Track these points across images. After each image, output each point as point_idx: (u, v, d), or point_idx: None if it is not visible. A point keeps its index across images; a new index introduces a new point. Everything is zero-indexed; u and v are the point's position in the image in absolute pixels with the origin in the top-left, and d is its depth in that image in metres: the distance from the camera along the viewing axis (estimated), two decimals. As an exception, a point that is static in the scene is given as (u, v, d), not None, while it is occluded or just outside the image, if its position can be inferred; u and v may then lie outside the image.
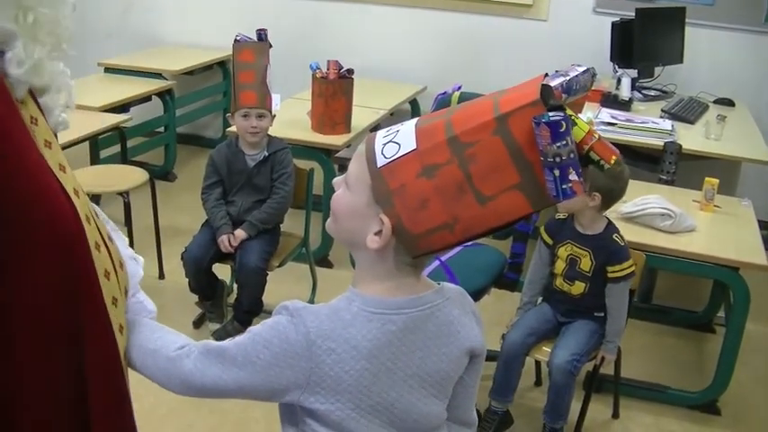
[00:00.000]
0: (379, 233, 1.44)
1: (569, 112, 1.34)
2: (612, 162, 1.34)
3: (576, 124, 1.33)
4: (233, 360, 1.50)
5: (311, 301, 4.28)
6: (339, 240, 1.59)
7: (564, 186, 1.31)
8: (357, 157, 1.49)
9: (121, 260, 1.48)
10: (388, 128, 1.48)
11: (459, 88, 3.83)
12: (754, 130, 5.08)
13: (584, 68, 1.40)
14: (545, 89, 1.32)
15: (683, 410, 3.76)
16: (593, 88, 4.84)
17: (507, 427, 3.39)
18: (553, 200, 1.34)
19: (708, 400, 3.77)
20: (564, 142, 1.29)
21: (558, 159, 1.30)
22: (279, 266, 4.05)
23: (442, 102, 3.76)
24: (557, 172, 1.30)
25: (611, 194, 3.15)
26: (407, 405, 1.53)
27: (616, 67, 5.41)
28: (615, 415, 3.68)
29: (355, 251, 1.53)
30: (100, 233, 1.40)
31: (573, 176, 1.30)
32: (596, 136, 1.34)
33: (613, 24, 5.37)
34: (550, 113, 1.29)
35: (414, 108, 6.26)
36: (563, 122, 1.28)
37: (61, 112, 1.44)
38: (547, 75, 1.35)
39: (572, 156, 1.30)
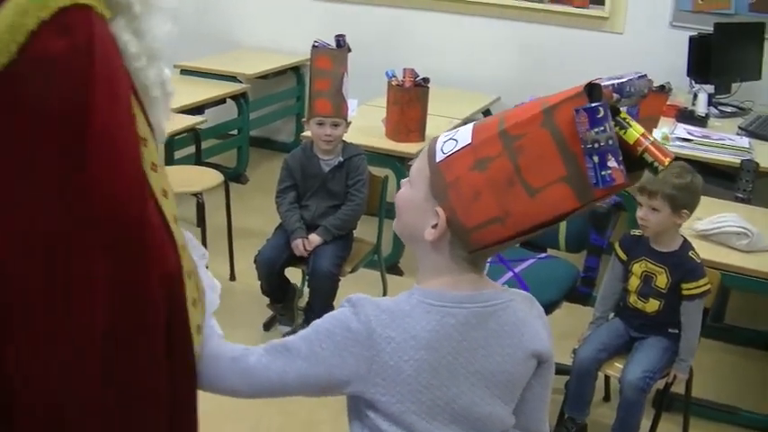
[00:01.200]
0: (435, 226, 1.50)
1: (624, 115, 1.37)
2: (667, 164, 1.35)
3: (630, 126, 1.36)
4: (297, 352, 1.55)
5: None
6: (402, 237, 1.65)
7: (603, 173, 1.34)
8: (421, 155, 1.57)
9: (203, 288, 1.51)
10: (452, 129, 1.55)
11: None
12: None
13: (641, 74, 1.43)
14: (591, 85, 1.36)
15: (756, 433, 3.71)
16: (669, 103, 4.85)
17: (580, 438, 3.38)
18: (596, 191, 1.36)
19: (781, 423, 3.71)
20: (602, 128, 1.32)
21: (596, 145, 1.33)
22: (351, 272, 4.09)
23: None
24: (596, 158, 1.33)
25: (694, 205, 3.14)
26: (469, 403, 1.55)
27: (693, 82, 5.36)
28: (684, 434, 3.64)
29: (416, 246, 1.58)
30: (190, 261, 1.43)
31: (612, 163, 1.33)
32: (650, 138, 1.36)
33: (691, 39, 5.33)
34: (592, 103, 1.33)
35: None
36: (600, 108, 1.32)
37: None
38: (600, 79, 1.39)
39: (611, 142, 1.33)
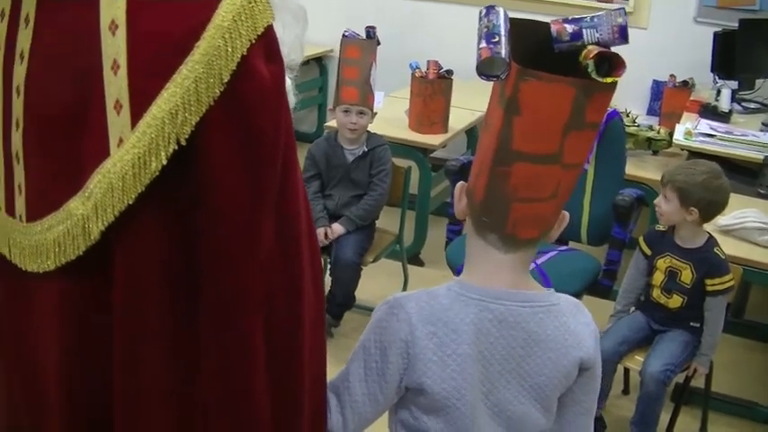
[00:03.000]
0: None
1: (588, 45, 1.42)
2: (587, 53, 1.38)
3: (586, 46, 1.43)
4: (355, 377, 1.58)
5: (402, 298, 4.37)
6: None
7: (477, 57, 1.41)
8: None
9: None
10: None
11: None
12: None
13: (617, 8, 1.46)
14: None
15: (774, 429, 3.73)
16: (692, 99, 4.85)
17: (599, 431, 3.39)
18: (479, 73, 1.43)
19: (800, 419, 3.72)
20: (482, 23, 1.42)
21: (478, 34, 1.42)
22: (373, 262, 4.11)
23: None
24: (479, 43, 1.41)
25: (710, 208, 3.13)
26: (503, 400, 1.56)
27: (716, 78, 5.34)
28: (703, 429, 3.65)
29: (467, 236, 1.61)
30: None
31: (481, 44, 1.40)
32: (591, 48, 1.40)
33: (715, 35, 5.31)
34: None
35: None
36: (498, 8, 1.44)
37: None
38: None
39: (484, 31, 1.41)
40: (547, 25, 1.44)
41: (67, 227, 1.21)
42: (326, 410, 1.54)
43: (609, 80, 1.38)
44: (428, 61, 4.86)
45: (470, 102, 5.28)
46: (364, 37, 4.14)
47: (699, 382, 3.49)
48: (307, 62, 6.62)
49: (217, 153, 1.18)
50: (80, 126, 1.18)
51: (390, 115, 4.92)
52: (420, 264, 4.97)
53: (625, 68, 1.36)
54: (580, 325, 1.61)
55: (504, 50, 1.37)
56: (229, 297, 1.25)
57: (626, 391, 3.83)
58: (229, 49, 1.16)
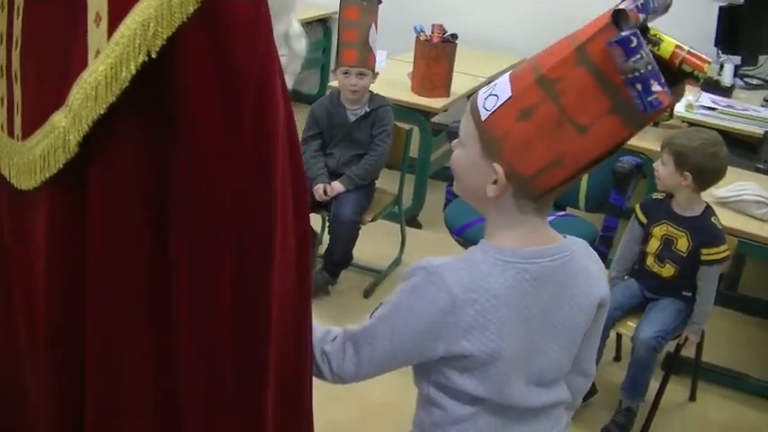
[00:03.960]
0: (495, 182, 1.50)
1: (654, 31, 1.38)
2: (706, 69, 1.37)
3: (662, 40, 1.37)
4: (381, 336, 1.60)
5: (398, 259, 4.40)
6: (466, 199, 1.66)
7: (649, 99, 1.33)
8: (465, 116, 1.56)
9: None
10: (488, 84, 1.54)
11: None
12: None
13: None
14: (616, 12, 1.35)
15: (763, 401, 3.76)
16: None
17: (591, 396, 3.42)
18: (645, 116, 1.37)
19: (790, 392, 3.77)
20: (638, 56, 1.32)
21: (636, 74, 1.33)
22: (371, 221, 4.13)
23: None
24: (639, 86, 1.33)
25: (704, 174, 3.14)
26: (538, 353, 1.59)
27: (720, 52, 5.34)
28: (692, 398, 3.70)
29: (482, 205, 1.59)
30: None
31: (656, 87, 1.32)
32: (685, 48, 1.37)
33: (721, 9, 5.30)
34: (622, 33, 1.32)
35: (510, 78, 6.27)
36: (632, 38, 1.31)
37: None
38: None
39: (650, 67, 1.32)
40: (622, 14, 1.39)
41: (51, 140, 1.23)
42: (306, 352, 1.56)
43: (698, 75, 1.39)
44: (432, 25, 4.86)
45: (473, 67, 5.29)
46: (364, -3, 4.13)
47: (689, 352, 3.52)
48: (310, 23, 6.61)
49: (189, 72, 1.19)
50: (66, 41, 1.20)
51: (393, 78, 4.92)
52: (418, 226, 4.99)
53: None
54: (594, 264, 1.66)
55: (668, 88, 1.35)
56: (200, 227, 1.26)
57: (617, 358, 3.87)
58: None
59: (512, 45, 6.15)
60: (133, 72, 1.16)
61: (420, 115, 4.81)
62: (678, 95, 1.40)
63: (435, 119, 5.05)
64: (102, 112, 1.18)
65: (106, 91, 1.16)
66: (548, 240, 1.58)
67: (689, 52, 1.37)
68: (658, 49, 1.37)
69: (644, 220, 3.36)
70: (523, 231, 1.55)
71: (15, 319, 1.46)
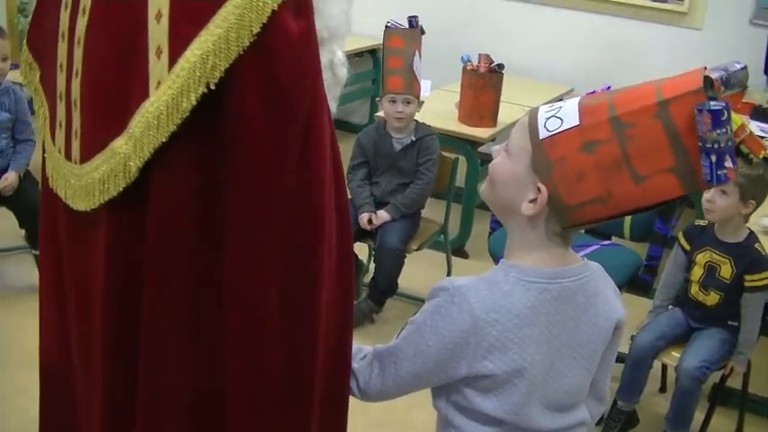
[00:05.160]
0: (534, 201, 1.52)
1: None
2: (761, 155, 1.38)
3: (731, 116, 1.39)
4: (405, 355, 1.63)
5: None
6: (491, 206, 1.68)
7: (719, 172, 1.36)
8: (519, 128, 1.57)
9: None
10: (551, 104, 1.56)
11: (609, 88, 3.82)
12: None
13: (742, 65, 1.45)
14: (707, 79, 1.38)
15: (811, 431, 3.71)
16: (743, 101, 4.82)
17: (632, 426, 3.41)
18: (705, 185, 1.40)
19: (837, 423, 3.70)
20: (724, 130, 1.34)
21: (716, 146, 1.35)
22: (417, 250, 4.15)
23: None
24: (713, 158, 1.35)
25: (761, 201, 3.12)
26: (559, 375, 1.61)
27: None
28: (739, 430, 3.64)
29: (508, 219, 1.61)
30: None
31: (728, 164, 1.36)
32: (748, 130, 1.39)
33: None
34: (712, 102, 1.35)
35: (559, 108, 6.27)
36: (725, 111, 1.34)
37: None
38: (706, 68, 1.40)
39: (730, 144, 1.35)
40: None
41: (111, 165, 1.31)
42: (346, 364, 1.63)
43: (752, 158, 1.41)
44: (479, 54, 4.89)
45: (520, 97, 5.31)
46: (407, 27, 4.17)
47: (735, 383, 3.48)
48: (360, 54, 6.68)
49: (243, 100, 1.26)
50: (127, 72, 1.28)
51: (440, 107, 4.96)
52: (464, 256, 5.00)
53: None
54: (609, 288, 1.68)
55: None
56: (249, 242, 1.33)
57: (662, 390, 3.83)
58: (260, 4, 1.23)
59: (558, 75, 6.17)
60: (194, 103, 1.25)
61: (467, 145, 4.83)
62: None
63: (482, 148, 5.07)
64: (163, 140, 1.26)
65: (168, 120, 1.25)
66: (568, 261, 1.60)
67: (750, 135, 1.39)
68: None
69: (687, 247, 3.34)
70: (547, 254, 1.57)
71: (69, 335, 1.55)
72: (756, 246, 3.19)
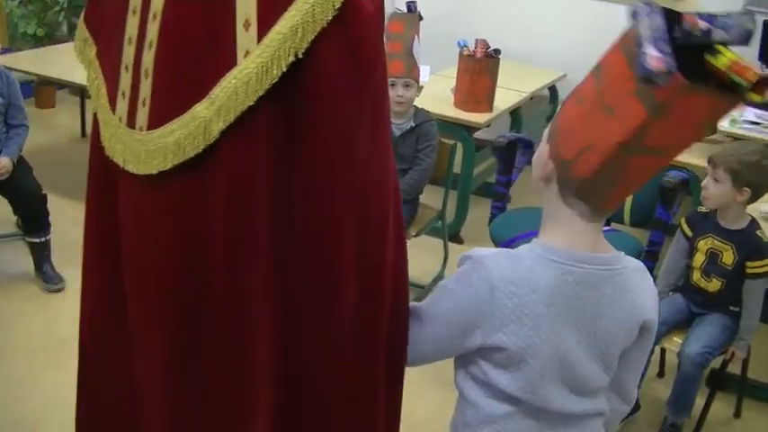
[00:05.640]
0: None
1: (720, 47, 1.37)
2: (750, 77, 1.35)
3: (721, 52, 1.36)
4: (426, 317, 1.66)
5: (441, 275, 4.41)
6: (536, 190, 1.68)
7: (641, 60, 1.34)
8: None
9: None
10: None
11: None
12: None
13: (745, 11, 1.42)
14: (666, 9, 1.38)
15: (808, 415, 3.74)
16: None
17: (634, 412, 3.42)
18: (652, 92, 1.36)
19: (835, 407, 3.74)
20: (643, 21, 1.35)
21: (639, 39, 1.35)
22: (415, 236, 4.14)
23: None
24: (637, 50, 1.35)
25: (761, 188, 3.14)
26: (572, 360, 1.60)
27: (764, 67, 5.31)
28: (737, 414, 3.68)
29: (540, 195, 1.63)
30: None
31: (650, 50, 1.33)
32: (742, 63, 1.36)
33: (765, 23, 5.28)
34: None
35: (552, 94, 6.29)
36: (644, 6, 1.36)
37: None
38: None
39: (649, 33, 1.34)
40: (674, 14, 1.40)
41: (190, 129, 1.39)
42: (405, 325, 1.68)
43: (758, 99, 1.36)
44: (476, 40, 4.88)
45: (514, 83, 5.31)
46: (406, 11, 4.17)
47: (735, 368, 3.50)
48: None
49: (326, 65, 1.38)
50: (212, 43, 1.38)
51: (437, 93, 4.96)
52: (460, 241, 5.01)
53: None
54: (645, 288, 1.66)
55: (674, 61, 1.34)
56: (325, 202, 1.45)
57: (661, 374, 3.86)
58: None
59: (553, 60, 6.17)
60: (284, 69, 1.35)
61: (463, 130, 4.83)
62: (727, 107, 1.39)
63: (477, 134, 5.07)
64: (251, 104, 1.36)
65: (257, 85, 1.35)
66: (598, 249, 1.59)
67: (738, 63, 1.37)
68: (716, 60, 1.37)
69: (689, 233, 3.36)
70: (572, 232, 1.57)
71: (118, 302, 1.63)
72: (758, 233, 3.21)
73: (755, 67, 1.38)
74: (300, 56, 1.35)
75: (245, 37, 1.36)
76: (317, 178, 1.43)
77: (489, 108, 4.92)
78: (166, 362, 1.55)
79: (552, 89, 6.24)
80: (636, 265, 1.67)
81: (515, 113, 5.57)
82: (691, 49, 1.39)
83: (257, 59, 1.34)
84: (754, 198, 3.17)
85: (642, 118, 1.40)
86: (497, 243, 3.71)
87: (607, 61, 1.46)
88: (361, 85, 1.42)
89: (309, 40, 1.35)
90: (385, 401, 1.69)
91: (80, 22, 1.65)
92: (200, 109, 1.37)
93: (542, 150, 1.60)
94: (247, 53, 1.35)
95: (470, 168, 4.97)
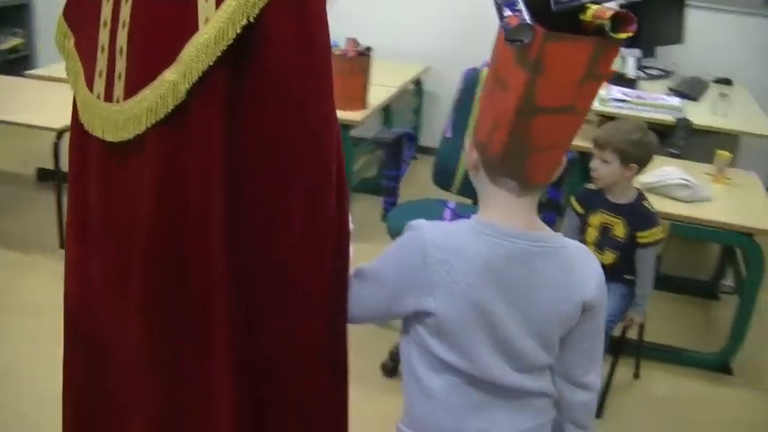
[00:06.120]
0: None
1: (589, 5, 1.50)
2: (607, 16, 1.48)
3: (589, 7, 1.50)
4: (366, 276, 1.74)
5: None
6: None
7: (502, 23, 1.49)
8: None
9: None
10: None
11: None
12: (755, 107, 5.30)
13: None
14: None
15: (698, 371, 3.97)
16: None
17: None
18: (525, 51, 1.49)
19: (722, 361, 3.97)
20: None
21: (500, 10, 1.50)
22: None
23: (471, 77, 3.88)
24: (500, 14, 1.51)
25: (645, 162, 3.29)
26: (506, 332, 1.66)
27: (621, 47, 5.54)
28: (636, 375, 3.87)
29: (475, 182, 1.73)
30: None
31: (507, 12, 1.49)
32: (600, 8, 1.50)
33: (621, 6, 5.49)
34: None
35: (417, 87, 6.41)
36: None
37: None
38: None
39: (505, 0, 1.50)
40: None
41: (160, 92, 1.54)
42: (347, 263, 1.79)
43: (623, 36, 1.48)
44: (347, 39, 4.94)
45: (383, 79, 5.39)
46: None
47: (632, 333, 3.66)
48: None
49: (275, 28, 1.52)
50: (179, 18, 1.53)
51: (311, 94, 4.94)
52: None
53: (636, 24, 1.47)
54: (586, 269, 1.72)
55: (527, 16, 1.46)
56: (279, 150, 1.59)
57: (561, 346, 3.98)
58: None
59: (418, 53, 6.29)
60: (238, 32, 1.49)
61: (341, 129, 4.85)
62: (597, 50, 1.49)
63: (353, 132, 5.13)
64: (210, 64, 1.50)
65: (215, 47, 1.49)
66: (533, 227, 1.68)
67: (599, 9, 1.50)
68: (584, 15, 1.50)
69: (581, 210, 3.49)
70: (504, 209, 1.66)
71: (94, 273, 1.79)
72: (645, 204, 3.36)
73: (614, 7, 1.51)
74: (252, 20, 1.50)
75: (205, 6, 1.51)
76: (266, 130, 1.57)
77: (363, 105, 4.97)
78: (141, 305, 1.69)
79: (417, 82, 6.36)
80: (577, 246, 1.75)
81: (386, 109, 5.67)
82: (570, 14, 1.51)
83: (215, 24, 1.49)
84: (639, 173, 3.33)
85: (525, 79, 1.50)
86: (394, 235, 3.78)
87: (496, 43, 1.58)
88: (309, 48, 1.57)
89: (260, 6, 1.49)
90: (328, 357, 1.80)
91: (59, 18, 1.80)
92: (168, 74, 1.53)
93: (467, 143, 1.72)
94: (207, 20, 1.51)
95: (349, 166, 5.02)
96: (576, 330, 1.74)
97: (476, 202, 3.95)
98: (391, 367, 3.71)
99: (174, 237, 1.62)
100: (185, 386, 1.72)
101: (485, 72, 3.92)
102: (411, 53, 6.28)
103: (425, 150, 5.79)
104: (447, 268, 1.63)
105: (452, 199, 3.95)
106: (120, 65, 1.62)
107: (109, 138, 1.65)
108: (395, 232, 3.75)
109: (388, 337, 3.81)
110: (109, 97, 1.65)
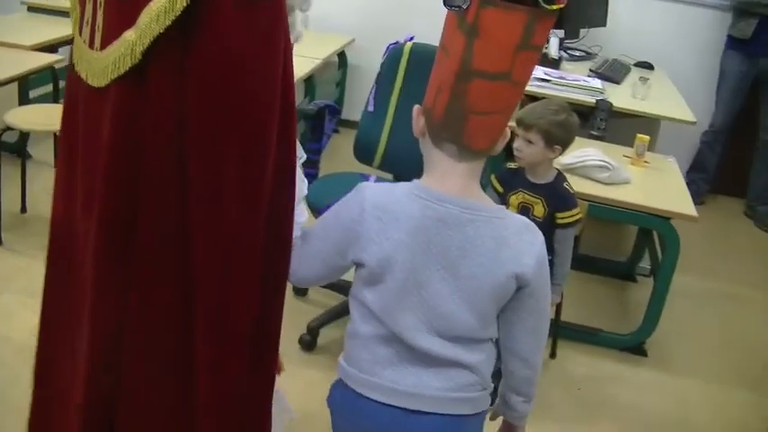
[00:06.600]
0: None
1: None
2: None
3: None
4: (310, 234, 1.83)
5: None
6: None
7: None
8: None
9: None
10: None
11: (412, 39, 3.92)
12: (674, 92, 5.36)
13: None
14: None
15: (614, 352, 4.01)
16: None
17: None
18: (461, 15, 1.59)
19: (637, 342, 4.03)
20: None
21: None
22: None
23: (395, 51, 3.85)
24: None
25: (568, 143, 3.28)
26: (434, 294, 1.71)
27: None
28: (553, 355, 3.89)
29: (422, 148, 1.78)
30: None
31: None
32: None
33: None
34: None
35: (341, 59, 6.36)
36: None
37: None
38: None
39: None
40: None
41: (121, 51, 1.66)
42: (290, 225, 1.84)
43: (555, 8, 1.56)
44: (271, 9, 4.86)
45: (308, 50, 5.33)
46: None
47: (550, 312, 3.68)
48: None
49: (222, 6, 1.60)
50: None
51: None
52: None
53: None
54: (523, 243, 1.73)
55: None
56: (218, 111, 1.65)
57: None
58: None
59: (345, 26, 6.24)
60: (185, 4, 1.58)
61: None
62: (530, 21, 1.57)
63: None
64: (161, 31, 1.61)
65: (165, 16, 1.60)
66: (470, 194, 1.72)
67: None
68: None
69: (500, 189, 3.47)
70: (442, 173, 1.71)
71: (77, 193, 1.90)
72: (565, 185, 3.36)
73: None
74: None
75: None
76: (206, 102, 1.65)
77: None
78: (97, 221, 1.78)
79: (341, 55, 6.30)
80: (517, 220, 1.76)
81: (309, 80, 5.61)
82: None
83: None
84: (562, 153, 3.33)
85: (463, 43, 1.61)
86: (317, 209, 3.75)
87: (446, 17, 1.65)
88: (250, 18, 1.63)
89: None
90: (261, 309, 1.84)
91: None
92: (129, 34, 1.65)
93: (415, 110, 1.76)
94: None
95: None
96: (518, 305, 1.78)
97: (396, 178, 3.96)
98: (308, 341, 3.67)
99: (128, 173, 1.72)
100: (132, 312, 1.80)
101: (408, 46, 3.90)
102: (336, 25, 6.22)
103: (348, 124, 5.76)
104: (380, 225, 1.71)
105: (374, 173, 3.92)
106: (99, 18, 1.76)
107: (90, 82, 1.78)
108: (315, 206, 3.71)
109: (307, 312, 3.79)
110: (92, 44, 1.79)
